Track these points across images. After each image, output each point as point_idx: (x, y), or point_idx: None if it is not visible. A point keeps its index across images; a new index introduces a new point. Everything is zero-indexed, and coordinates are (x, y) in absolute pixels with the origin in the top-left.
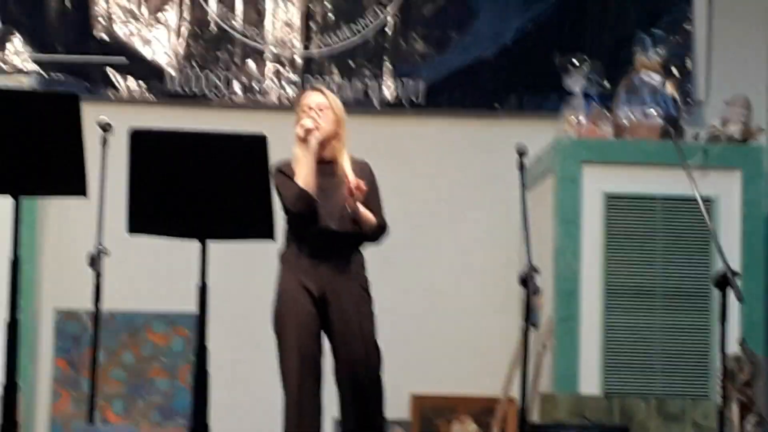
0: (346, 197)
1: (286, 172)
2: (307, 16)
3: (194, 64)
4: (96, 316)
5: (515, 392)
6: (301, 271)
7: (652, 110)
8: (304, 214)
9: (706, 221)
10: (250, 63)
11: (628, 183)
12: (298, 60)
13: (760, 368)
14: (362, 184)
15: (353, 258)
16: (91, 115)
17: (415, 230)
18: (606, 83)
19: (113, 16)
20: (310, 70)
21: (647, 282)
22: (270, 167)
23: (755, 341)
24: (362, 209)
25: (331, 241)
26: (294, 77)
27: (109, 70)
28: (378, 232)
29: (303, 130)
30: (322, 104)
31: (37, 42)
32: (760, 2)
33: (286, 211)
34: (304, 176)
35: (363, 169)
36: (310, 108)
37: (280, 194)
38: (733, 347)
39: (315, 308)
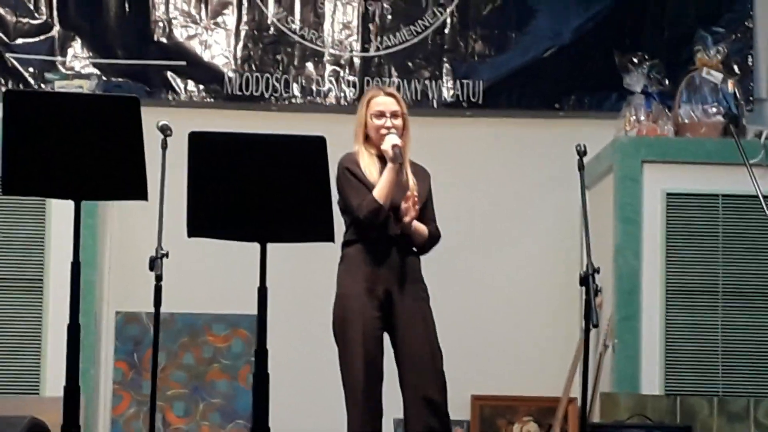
0: (407, 211)
1: (354, 171)
2: (366, 17)
3: (253, 66)
4: (156, 318)
5: (576, 392)
6: (364, 272)
7: (713, 108)
8: (373, 224)
9: (767, 219)
10: (309, 65)
11: (688, 181)
12: (357, 61)
13: None
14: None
15: (413, 260)
16: (151, 118)
17: (475, 230)
18: (666, 81)
19: (172, 20)
20: (369, 72)
21: (708, 280)
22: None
23: None
24: (416, 224)
25: (392, 244)
26: (352, 79)
27: (169, 74)
28: (429, 242)
29: (392, 149)
30: (395, 111)
31: (97, 46)
32: None
33: (349, 212)
34: (383, 191)
35: (421, 175)
36: (382, 113)
37: (346, 194)
38: None
39: (379, 311)
